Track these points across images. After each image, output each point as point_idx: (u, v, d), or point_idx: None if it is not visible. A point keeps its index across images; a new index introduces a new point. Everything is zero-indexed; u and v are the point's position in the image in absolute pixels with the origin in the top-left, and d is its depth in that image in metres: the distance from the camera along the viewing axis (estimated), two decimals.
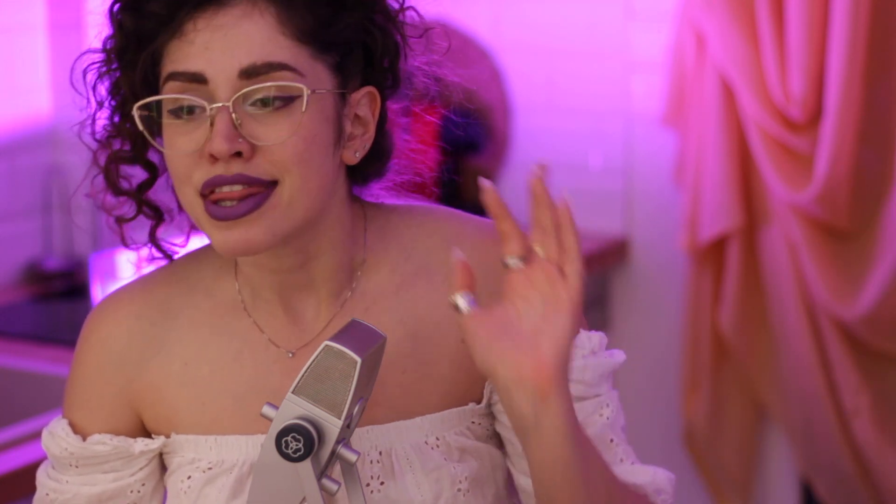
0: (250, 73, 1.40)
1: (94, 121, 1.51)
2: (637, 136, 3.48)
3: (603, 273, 3.53)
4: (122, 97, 1.48)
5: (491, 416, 1.55)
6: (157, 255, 1.57)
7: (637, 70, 3.44)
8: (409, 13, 1.50)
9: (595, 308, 3.52)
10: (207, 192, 1.42)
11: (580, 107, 3.51)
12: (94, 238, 3.15)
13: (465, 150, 3.45)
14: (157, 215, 1.54)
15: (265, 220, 1.42)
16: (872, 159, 3.12)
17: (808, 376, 3.21)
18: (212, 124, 1.40)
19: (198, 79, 1.41)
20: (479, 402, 1.53)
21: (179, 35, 1.42)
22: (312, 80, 1.42)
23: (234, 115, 1.40)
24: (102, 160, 1.52)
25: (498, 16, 3.57)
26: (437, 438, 1.51)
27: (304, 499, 1.38)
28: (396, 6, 1.49)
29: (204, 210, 1.43)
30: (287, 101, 1.41)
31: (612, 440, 1.52)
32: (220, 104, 1.40)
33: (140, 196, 1.53)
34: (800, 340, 3.21)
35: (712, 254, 3.31)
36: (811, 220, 3.14)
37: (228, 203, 1.42)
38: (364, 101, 1.49)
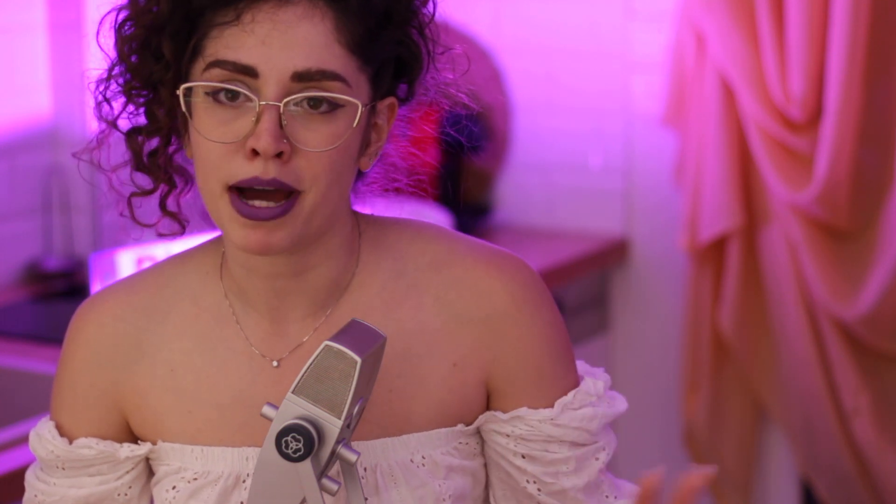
0: (303, 77, 1.39)
1: (109, 76, 1.47)
2: (637, 136, 3.48)
3: (603, 273, 3.53)
4: (160, 63, 1.44)
5: (478, 433, 1.55)
6: (169, 228, 1.53)
7: (637, 70, 3.45)
8: (432, 28, 1.50)
9: (595, 308, 3.52)
10: (243, 187, 1.40)
11: (580, 106, 3.51)
12: (94, 238, 3.15)
13: (465, 150, 3.44)
14: (172, 183, 1.51)
15: (287, 227, 1.41)
16: (872, 159, 3.12)
17: (808, 376, 3.21)
18: (257, 120, 1.39)
19: (249, 72, 1.39)
20: (468, 425, 1.53)
21: (237, 22, 1.40)
22: (357, 91, 1.42)
23: (281, 115, 1.39)
24: (108, 116, 1.48)
25: (498, 15, 3.57)
26: (424, 457, 1.51)
27: (304, 499, 1.38)
28: (427, 18, 1.48)
29: (230, 204, 1.41)
30: (334, 107, 1.41)
31: (602, 481, 1.55)
32: (272, 102, 1.39)
33: (156, 165, 1.49)
34: (800, 340, 3.21)
35: (712, 254, 3.31)
36: (811, 220, 3.14)
37: (259, 203, 1.40)
38: (385, 110, 1.49)
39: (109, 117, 1.49)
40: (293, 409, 1.35)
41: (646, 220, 3.51)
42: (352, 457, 1.37)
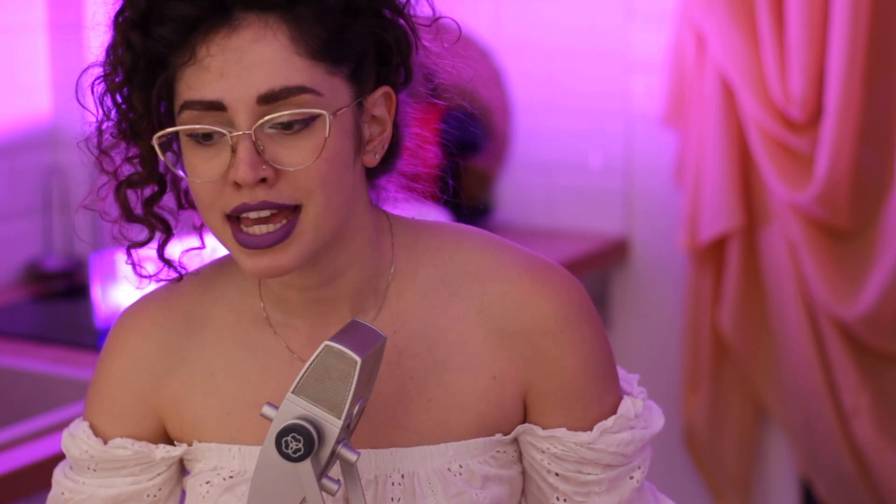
0: (269, 99, 1.37)
1: (100, 133, 1.47)
2: (637, 136, 3.48)
3: (603, 273, 3.53)
4: (135, 114, 1.44)
5: (516, 442, 1.54)
6: (168, 274, 1.54)
7: (637, 70, 3.44)
8: (415, 1, 1.47)
9: (595, 308, 3.51)
10: (235, 215, 1.40)
11: (580, 106, 3.51)
12: (94, 238, 3.15)
13: (465, 150, 3.45)
14: (168, 231, 1.51)
15: (294, 247, 1.40)
16: (872, 159, 3.12)
17: (808, 376, 3.21)
18: (233, 151, 1.38)
19: (216, 106, 1.38)
20: (506, 434, 1.52)
21: (193, 61, 1.39)
22: (331, 97, 1.40)
23: (256, 142, 1.38)
24: (108, 167, 1.48)
25: (498, 15, 3.57)
26: (461, 466, 1.50)
27: (304, 499, 1.38)
28: None
29: (233, 237, 1.41)
30: (308, 122, 1.39)
31: (633, 501, 1.54)
32: (242, 132, 1.37)
33: (151, 213, 1.50)
34: (800, 340, 3.21)
35: (712, 254, 3.31)
36: (811, 220, 3.14)
37: (257, 230, 1.39)
38: (380, 101, 1.46)
39: (108, 167, 1.49)
40: (293, 408, 1.35)
41: (646, 220, 3.51)
42: (352, 457, 1.37)
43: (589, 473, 1.51)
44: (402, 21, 1.46)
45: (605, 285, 3.56)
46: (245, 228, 1.41)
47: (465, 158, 3.47)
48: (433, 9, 1.49)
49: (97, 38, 1.46)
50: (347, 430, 1.38)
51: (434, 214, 3.12)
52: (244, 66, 1.38)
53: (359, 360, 1.34)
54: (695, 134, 3.28)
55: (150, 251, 1.54)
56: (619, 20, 3.44)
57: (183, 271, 1.55)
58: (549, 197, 3.57)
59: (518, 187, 3.60)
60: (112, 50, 1.43)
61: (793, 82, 3.08)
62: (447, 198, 1.62)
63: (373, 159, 1.47)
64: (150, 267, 1.54)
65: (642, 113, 3.45)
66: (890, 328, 3.11)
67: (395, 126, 1.50)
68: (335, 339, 1.36)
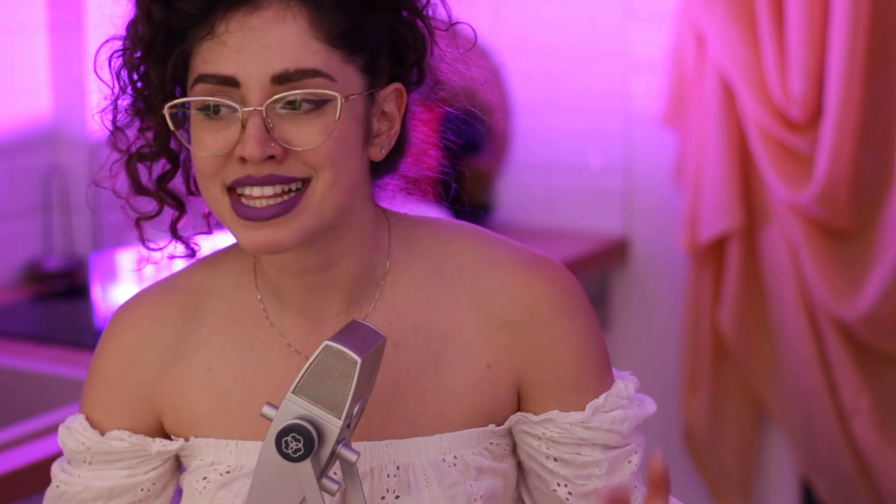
0: (283, 79, 1.39)
1: (115, 107, 1.48)
2: (637, 136, 3.48)
3: (603, 273, 3.53)
4: (151, 87, 1.45)
5: (509, 435, 1.55)
6: (180, 252, 1.55)
7: (637, 70, 3.45)
8: (433, 5, 1.49)
9: (595, 308, 3.51)
10: (236, 188, 1.41)
11: (580, 106, 3.51)
12: (94, 238, 3.15)
13: (465, 150, 3.45)
14: (179, 207, 1.52)
15: (294, 222, 1.42)
16: (872, 159, 3.12)
17: (808, 376, 3.21)
18: (243, 126, 1.39)
19: (230, 82, 1.40)
20: (499, 425, 1.53)
21: (211, 36, 1.40)
22: (343, 84, 1.41)
23: (266, 119, 1.39)
24: (121, 144, 1.49)
25: (499, 15, 3.57)
26: (455, 457, 1.51)
27: (304, 499, 1.38)
28: (423, 0, 1.48)
29: (230, 207, 1.42)
30: (319, 104, 1.40)
31: (636, 486, 1.56)
32: (253, 108, 1.39)
33: (162, 189, 1.51)
34: (800, 340, 3.21)
35: (712, 254, 3.31)
36: (811, 220, 3.14)
37: (258, 202, 1.41)
38: (391, 97, 1.48)
39: (121, 145, 1.50)
40: (293, 408, 1.36)
41: (646, 220, 3.51)
42: (352, 457, 1.37)
43: (588, 455, 1.52)
44: (419, 22, 1.47)
45: (605, 285, 3.56)
46: (245, 201, 1.42)
47: (465, 158, 3.47)
48: (449, 14, 1.50)
49: (98, 35, 1.47)
50: (347, 430, 1.38)
51: (433, 214, 3.12)
52: (261, 45, 1.39)
53: (359, 360, 1.34)
54: (695, 134, 3.28)
55: (153, 250, 1.55)
56: (619, 20, 3.44)
57: (196, 247, 1.55)
58: (549, 197, 3.57)
59: (518, 187, 3.60)
60: (132, 26, 1.44)
61: (793, 82, 3.08)
62: (448, 200, 1.64)
63: (379, 153, 1.48)
64: (151, 270, 1.55)
65: (642, 113, 3.45)
66: (890, 328, 3.11)
67: (403, 126, 1.51)
68: (335, 339, 1.36)
